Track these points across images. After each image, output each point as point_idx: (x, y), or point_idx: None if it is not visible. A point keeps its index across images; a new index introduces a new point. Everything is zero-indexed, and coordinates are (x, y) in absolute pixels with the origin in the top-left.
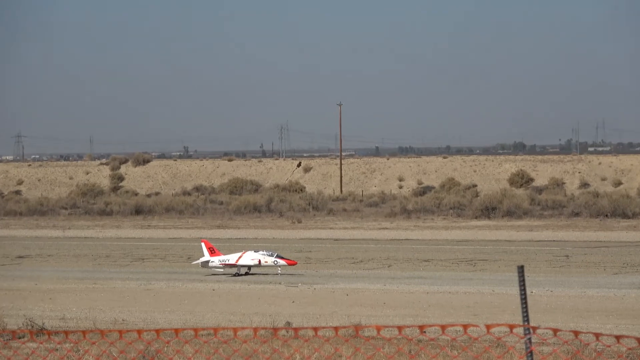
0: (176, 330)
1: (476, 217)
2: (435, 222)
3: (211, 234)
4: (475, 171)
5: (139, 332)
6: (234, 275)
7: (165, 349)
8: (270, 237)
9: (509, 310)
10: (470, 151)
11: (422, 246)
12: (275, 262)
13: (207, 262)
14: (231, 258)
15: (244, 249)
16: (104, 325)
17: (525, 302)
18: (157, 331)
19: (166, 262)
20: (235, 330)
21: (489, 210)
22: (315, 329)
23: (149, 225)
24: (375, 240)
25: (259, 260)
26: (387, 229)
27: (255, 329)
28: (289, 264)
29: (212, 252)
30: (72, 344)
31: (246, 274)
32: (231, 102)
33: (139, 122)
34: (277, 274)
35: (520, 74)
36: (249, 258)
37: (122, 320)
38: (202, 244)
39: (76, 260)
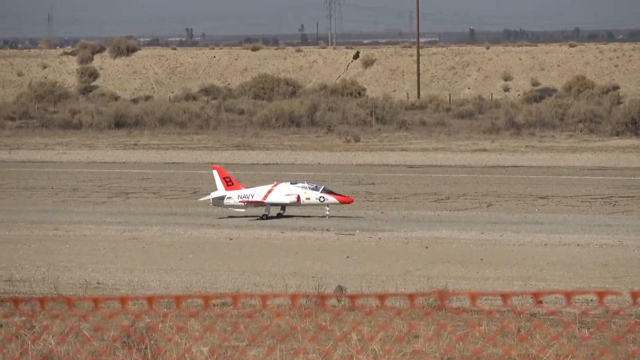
0: (177, 298)
1: (618, 134)
2: (558, 142)
3: (227, 157)
4: (617, 66)
5: (123, 300)
6: (261, 217)
7: (162, 325)
8: (314, 163)
9: None
10: (609, 37)
11: (538, 176)
12: (322, 199)
13: (222, 198)
14: (257, 193)
15: (276, 179)
16: (71, 290)
17: None
18: (149, 299)
19: (161, 199)
20: (264, 298)
21: (637, 124)
22: (381, 297)
23: (135, 145)
24: (468, 167)
25: (298, 196)
26: (486, 150)
27: (294, 297)
28: (342, 202)
29: (228, 184)
30: (24, 318)
31: (279, 215)
32: None
33: None
34: (324, 217)
35: None
36: (283, 193)
37: (97, 283)
38: (215, 172)
39: (29, 195)
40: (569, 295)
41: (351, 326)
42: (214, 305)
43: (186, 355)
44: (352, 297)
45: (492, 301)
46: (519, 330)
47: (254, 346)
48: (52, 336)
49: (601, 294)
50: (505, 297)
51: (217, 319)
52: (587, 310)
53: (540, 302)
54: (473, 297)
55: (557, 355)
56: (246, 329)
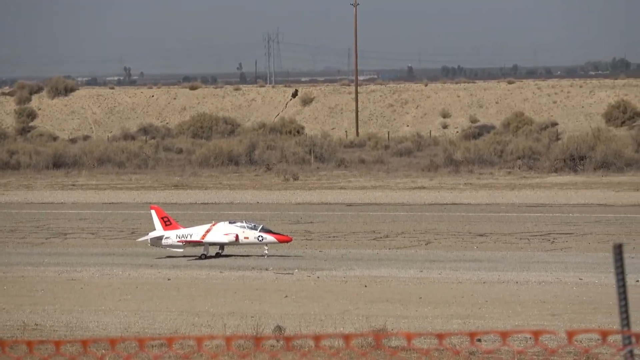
0: (112, 341)
1: (556, 171)
2: (497, 179)
3: (166, 197)
4: (555, 103)
5: (57, 343)
6: (200, 257)
7: None
8: (253, 202)
9: (603, 307)
10: (548, 73)
11: (477, 213)
12: (260, 238)
13: (160, 238)
14: (195, 232)
15: (214, 219)
16: (9, 332)
17: (625, 296)
18: (85, 342)
19: (99, 239)
20: (199, 340)
21: (575, 161)
22: (317, 338)
23: (73, 185)
24: (407, 205)
25: (236, 236)
26: (424, 188)
27: (229, 338)
28: (281, 241)
29: (166, 223)
30: None
31: (217, 255)
32: None
33: (58, 30)
34: (262, 256)
35: None
36: (222, 232)
37: (35, 324)
38: (153, 212)
39: None
40: (504, 335)
41: None
42: (150, 347)
43: None
44: (288, 339)
45: (430, 340)
46: None
47: None
48: None
49: (536, 333)
50: (441, 337)
51: None
52: (525, 349)
53: (479, 340)
54: (409, 337)
55: None
56: None
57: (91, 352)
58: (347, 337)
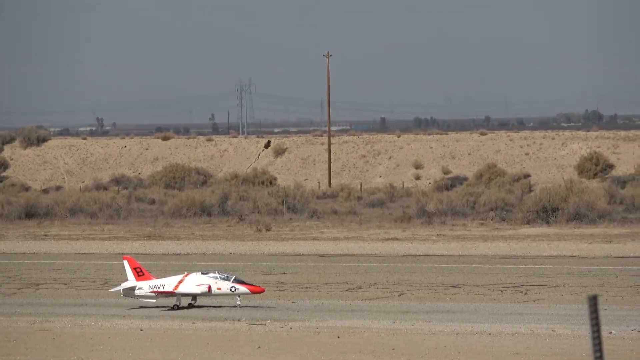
0: None
1: (529, 223)
2: (469, 230)
3: (138, 248)
4: (527, 154)
5: None
6: (172, 308)
7: None
8: (225, 252)
9: (577, 359)
10: (520, 124)
11: (450, 265)
12: (233, 289)
13: (133, 288)
14: (168, 283)
15: (187, 269)
16: None
17: (601, 347)
18: None
19: (72, 289)
20: None
21: (547, 213)
22: None
23: (45, 235)
24: (380, 256)
25: (209, 287)
26: (397, 239)
27: None
28: (253, 292)
29: (139, 274)
30: None
31: (190, 306)
32: (166, 49)
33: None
34: (235, 307)
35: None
36: (194, 283)
37: None
38: (125, 263)
39: None
40: None
41: None
42: None
43: None
44: None
45: None
46: None
47: None
48: None
49: None
50: None
51: None
52: None
53: None
54: None
55: None
56: None
57: None
58: None
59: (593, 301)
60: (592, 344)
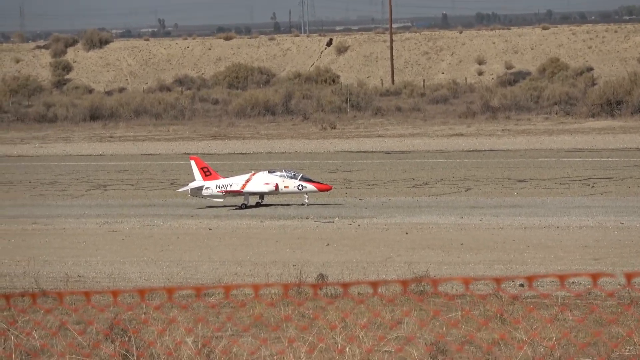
0: (169, 290)
1: (593, 116)
2: (534, 124)
3: (204, 148)
4: (590, 48)
5: (115, 293)
6: (240, 207)
7: (147, 315)
8: (291, 151)
9: None
10: (582, 18)
11: (516, 159)
12: (300, 187)
13: (200, 188)
14: (235, 182)
15: (253, 168)
16: (52, 284)
17: None
18: (141, 292)
19: (139, 190)
20: (256, 288)
21: (612, 106)
22: (374, 284)
23: (111, 137)
24: (445, 152)
25: (276, 185)
26: (462, 135)
27: (287, 286)
28: (320, 189)
29: (206, 174)
30: (9, 312)
31: (258, 204)
32: None
33: None
34: (303, 205)
35: None
36: (261, 182)
37: (78, 276)
38: (192, 163)
39: (6, 189)
40: (562, 277)
41: (343, 315)
42: (204, 296)
43: (175, 347)
44: (345, 285)
45: (473, 286)
46: (500, 316)
47: (246, 336)
48: (36, 330)
49: (595, 276)
50: (498, 281)
51: (209, 310)
52: (580, 293)
53: (522, 285)
54: (466, 282)
55: (549, 338)
56: (239, 320)
57: (147, 303)
58: (403, 283)
59: None
60: None
